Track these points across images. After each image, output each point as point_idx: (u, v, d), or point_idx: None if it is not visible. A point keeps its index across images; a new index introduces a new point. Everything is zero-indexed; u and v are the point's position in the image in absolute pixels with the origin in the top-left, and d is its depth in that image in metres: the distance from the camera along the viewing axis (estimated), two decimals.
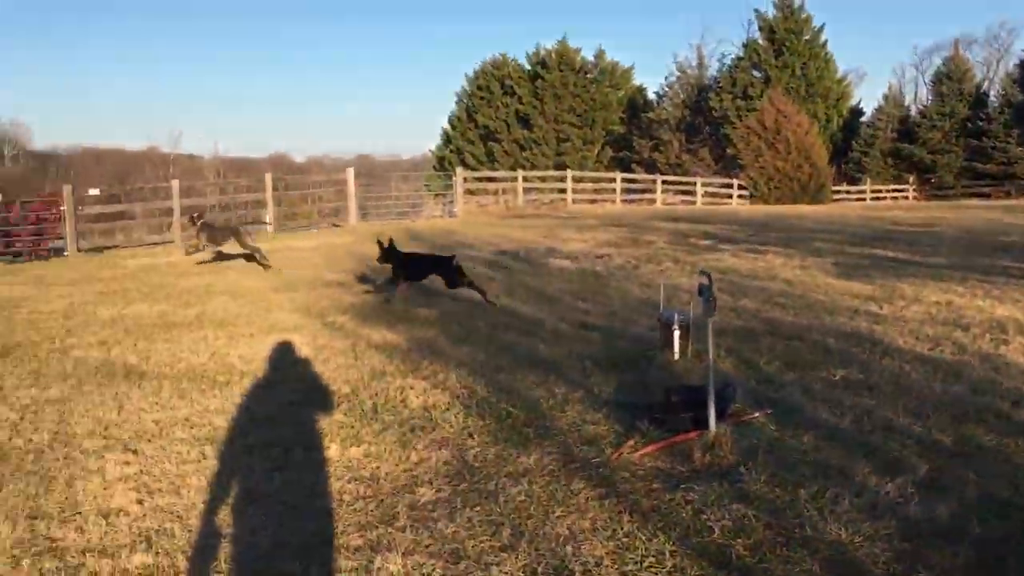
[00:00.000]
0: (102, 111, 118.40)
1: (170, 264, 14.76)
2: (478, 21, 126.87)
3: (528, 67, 45.20)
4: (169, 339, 8.14)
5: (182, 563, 3.60)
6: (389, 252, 10.06)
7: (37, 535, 3.92)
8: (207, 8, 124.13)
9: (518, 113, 43.54)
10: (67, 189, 17.80)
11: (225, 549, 3.72)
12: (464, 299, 9.61)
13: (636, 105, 47.11)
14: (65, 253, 17.63)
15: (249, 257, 13.44)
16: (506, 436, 4.90)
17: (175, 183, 19.36)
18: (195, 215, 14.25)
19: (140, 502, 4.25)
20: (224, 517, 4.03)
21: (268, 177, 21.28)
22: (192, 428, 5.37)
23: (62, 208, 17.83)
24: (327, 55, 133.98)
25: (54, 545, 3.82)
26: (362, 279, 11.46)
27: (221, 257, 14.05)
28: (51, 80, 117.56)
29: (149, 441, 5.14)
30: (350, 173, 22.28)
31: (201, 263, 13.83)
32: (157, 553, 3.68)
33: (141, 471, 4.66)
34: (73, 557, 3.69)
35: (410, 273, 9.94)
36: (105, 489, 4.42)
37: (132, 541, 3.81)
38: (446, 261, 9.76)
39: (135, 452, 4.95)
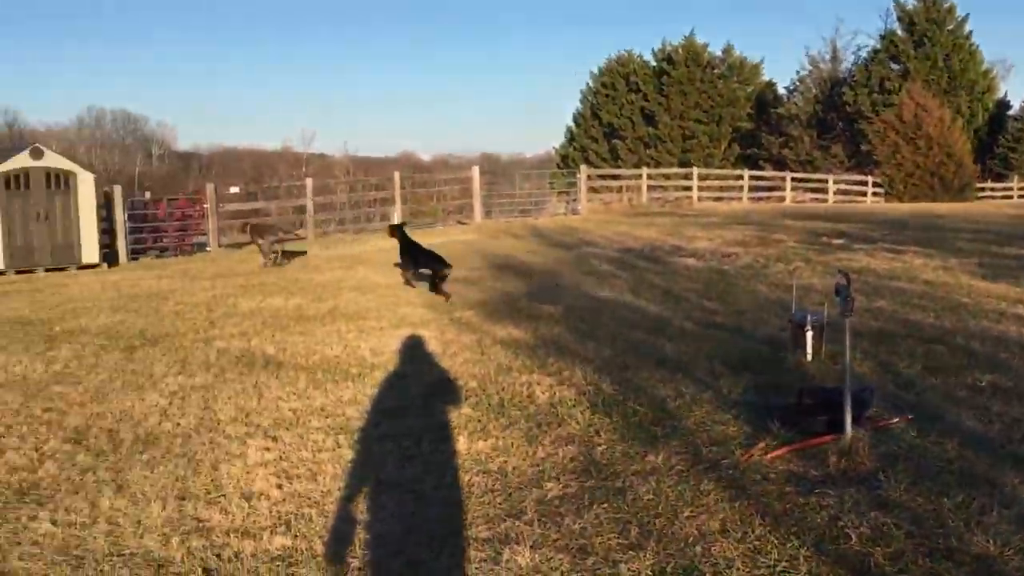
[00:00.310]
0: (241, 112, 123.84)
1: (301, 260, 15.30)
2: (604, 21, 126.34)
3: (654, 63, 44.72)
4: (304, 331, 8.45)
5: (319, 547, 3.73)
6: (399, 233, 11.89)
7: (185, 515, 4.14)
8: (340, 14, 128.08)
9: (643, 110, 43.14)
10: (210, 187, 18.71)
11: (360, 535, 3.84)
12: (588, 296, 9.61)
13: (765, 101, 45.91)
14: (208, 248, 18.54)
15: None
16: (633, 434, 4.87)
17: (309, 181, 20.09)
18: (245, 223, 15.92)
19: (280, 487, 4.43)
20: (358, 504, 4.17)
21: (397, 176, 21.81)
22: (327, 418, 5.56)
23: (205, 205, 18.76)
24: (453, 56, 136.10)
25: (200, 525, 4.03)
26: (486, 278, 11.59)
27: (284, 255, 15.01)
28: (194, 82, 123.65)
29: (287, 429, 5.35)
30: (475, 171, 22.58)
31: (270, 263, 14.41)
32: (296, 536, 3.84)
33: (280, 457, 4.86)
34: (218, 537, 3.88)
35: (411, 259, 11.33)
36: (247, 473, 4.63)
37: (273, 524, 3.98)
38: (439, 261, 10.81)
39: (274, 439, 5.17)
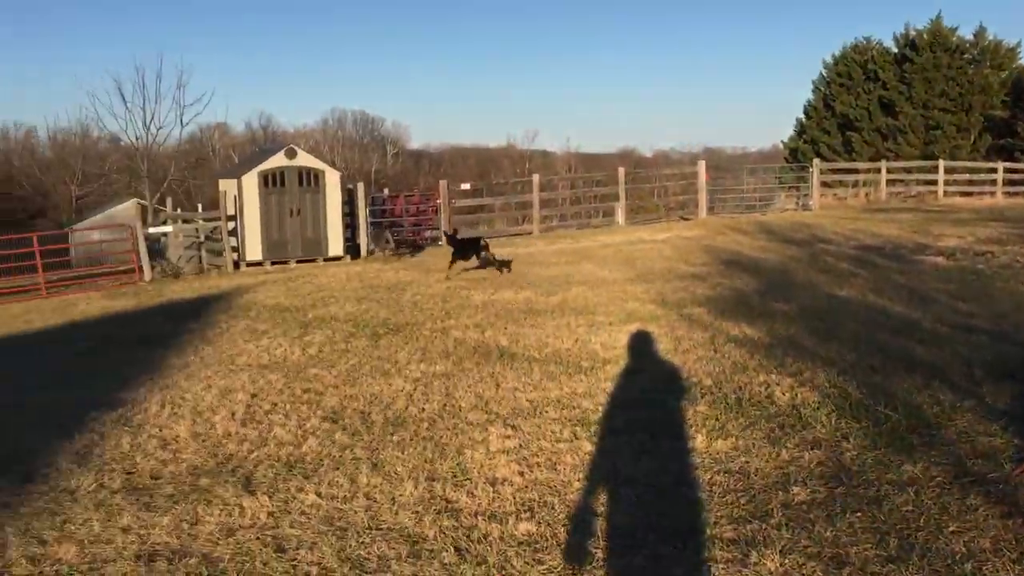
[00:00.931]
0: (468, 111, 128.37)
1: (529, 254, 15.65)
2: (839, 5, 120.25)
3: (895, 50, 41.90)
4: (535, 324, 8.64)
5: (563, 535, 3.80)
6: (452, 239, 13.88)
7: (435, 495, 4.35)
8: (562, 15, 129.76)
9: (881, 100, 40.49)
10: (443, 184, 19.54)
11: (600, 525, 3.87)
12: (825, 295, 9.18)
13: (1022, 87, 41.84)
14: (440, 243, 19.37)
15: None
16: (886, 441, 4.59)
17: (535, 177, 20.50)
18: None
19: (521, 474, 4.55)
20: (597, 495, 4.20)
21: (621, 171, 21.81)
22: (563, 409, 5.65)
23: (438, 201, 19.60)
24: (676, 50, 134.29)
25: (449, 506, 4.22)
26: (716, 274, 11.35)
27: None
28: (427, 83, 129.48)
29: (525, 418, 5.49)
30: (702, 166, 22.15)
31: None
32: (540, 523, 3.93)
33: (520, 445, 4.99)
34: (466, 519, 4.04)
35: (459, 253, 13.34)
36: (490, 459, 4.79)
37: (517, 509, 4.09)
38: (476, 242, 13.59)
39: (514, 428, 5.32)
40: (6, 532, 4.24)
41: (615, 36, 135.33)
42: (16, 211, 58.33)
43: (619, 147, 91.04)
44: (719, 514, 3.89)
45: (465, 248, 13.47)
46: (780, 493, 4.06)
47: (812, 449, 4.59)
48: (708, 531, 3.73)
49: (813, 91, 44.90)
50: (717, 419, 5.19)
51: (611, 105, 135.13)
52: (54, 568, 3.84)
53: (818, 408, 5.22)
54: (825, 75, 44.30)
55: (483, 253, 13.30)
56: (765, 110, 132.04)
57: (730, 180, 29.38)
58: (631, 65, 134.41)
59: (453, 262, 13.14)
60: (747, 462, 4.49)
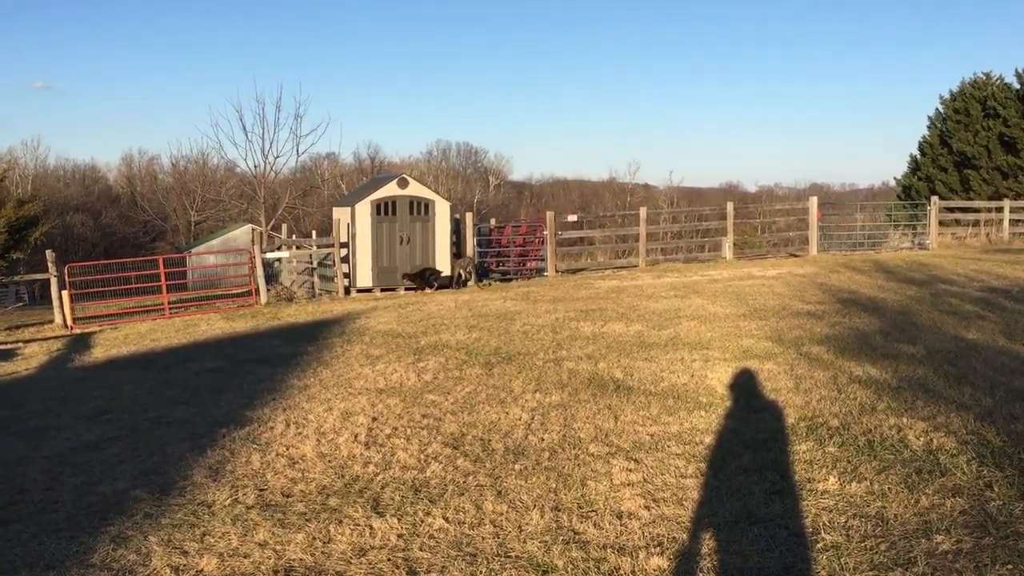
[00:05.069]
0: (570, 144, 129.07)
1: (636, 287, 15.56)
2: (954, 43, 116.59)
3: (1017, 86, 40.36)
4: (648, 358, 8.57)
5: (695, 573, 3.74)
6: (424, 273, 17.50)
7: (561, 526, 4.35)
8: (661, 49, 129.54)
9: (1002, 137, 38.95)
10: (550, 215, 19.67)
11: (734, 564, 3.79)
12: (952, 337, 8.83)
13: None
14: (545, 273, 19.48)
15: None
16: None
17: (643, 210, 20.43)
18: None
19: (647, 508, 4.51)
20: (728, 534, 4.12)
21: (729, 206, 21.54)
22: (685, 444, 5.58)
23: (544, 232, 19.73)
24: (783, 84, 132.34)
25: (576, 536, 4.21)
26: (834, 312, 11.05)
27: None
28: (529, 117, 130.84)
29: (647, 452, 5.45)
30: (813, 202, 21.69)
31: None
32: (670, 559, 3.88)
33: (644, 479, 4.95)
34: (595, 551, 4.02)
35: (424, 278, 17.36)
36: (614, 492, 4.77)
37: (646, 544, 4.05)
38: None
39: (636, 461, 5.28)
40: (150, 542, 4.43)
41: (722, 70, 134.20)
42: (139, 234, 61.40)
43: (722, 181, 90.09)
44: (859, 559, 3.76)
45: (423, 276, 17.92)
46: (922, 541, 3.91)
47: (954, 496, 4.40)
48: None
49: (929, 127, 43.57)
50: (848, 461, 5.04)
51: (715, 139, 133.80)
52: None
53: (956, 454, 5.01)
54: (942, 111, 42.97)
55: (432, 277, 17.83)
56: (876, 146, 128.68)
57: (840, 217, 28.69)
58: (737, 98, 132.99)
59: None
60: (884, 507, 4.34)
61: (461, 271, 17.51)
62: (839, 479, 4.74)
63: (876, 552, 3.84)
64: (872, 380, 7.07)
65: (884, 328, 9.57)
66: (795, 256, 21.65)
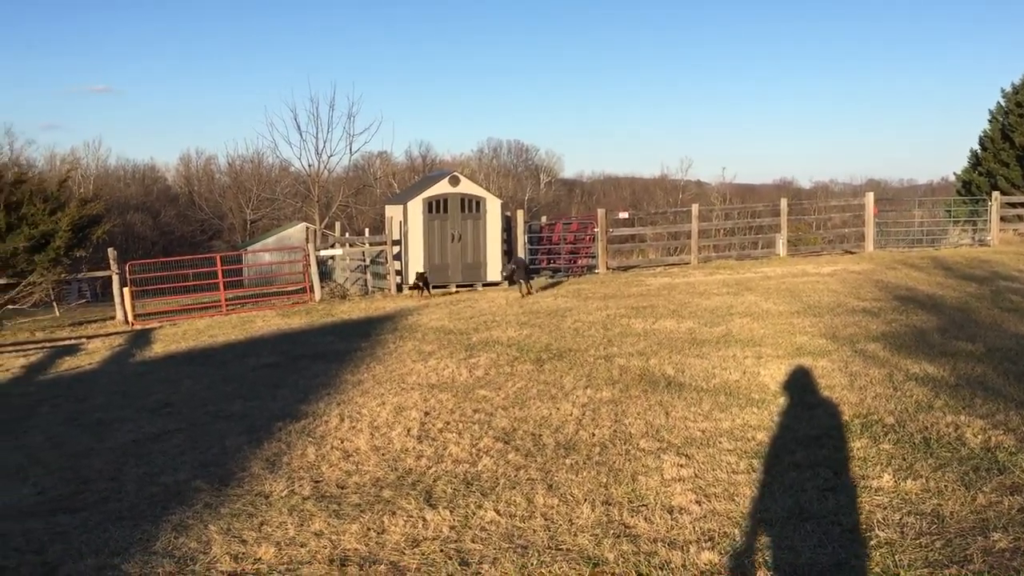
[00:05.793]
0: (622, 141, 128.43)
1: (688, 284, 15.46)
2: (1014, 34, 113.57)
3: None
4: (700, 355, 8.53)
5: (748, 568, 3.74)
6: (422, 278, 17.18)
7: (612, 520, 4.37)
8: (716, 45, 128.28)
9: None
10: (601, 213, 19.61)
11: (786, 560, 3.78)
12: (1014, 335, 8.65)
13: None
14: (596, 271, 19.44)
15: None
16: None
17: (695, 207, 20.27)
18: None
19: (698, 503, 4.51)
20: (781, 530, 4.10)
21: (783, 202, 21.27)
22: (736, 441, 5.56)
23: (595, 229, 19.71)
24: (835, 81, 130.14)
25: (627, 530, 4.23)
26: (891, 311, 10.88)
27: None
28: (581, 114, 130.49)
29: (699, 448, 5.44)
30: (870, 198, 21.31)
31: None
32: (721, 554, 3.88)
33: (695, 475, 4.95)
34: (646, 544, 4.04)
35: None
36: (665, 487, 4.78)
37: (697, 538, 4.06)
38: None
39: (687, 457, 5.28)
40: (210, 531, 4.56)
41: (778, 66, 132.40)
42: (196, 233, 62.65)
43: (776, 178, 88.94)
44: (913, 556, 3.73)
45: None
46: (979, 539, 3.85)
47: (1012, 495, 4.33)
48: (903, 574, 3.59)
49: (990, 121, 42.50)
50: (904, 459, 4.98)
51: (769, 135, 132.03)
52: (255, 567, 4.09)
53: (1015, 452, 4.93)
54: (1004, 104, 41.91)
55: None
56: (934, 141, 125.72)
57: (897, 213, 28.15)
58: (790, 95, 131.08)
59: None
60: (940, 505, 4.28)
61: (522, 280, 16.58)
62: (894, 476, 4.69)
63: (931, 549, 3.79)
64: (929, 378, 6.96)
65: (942, 325, 9.40)
66: (851, 253, 21.29)
